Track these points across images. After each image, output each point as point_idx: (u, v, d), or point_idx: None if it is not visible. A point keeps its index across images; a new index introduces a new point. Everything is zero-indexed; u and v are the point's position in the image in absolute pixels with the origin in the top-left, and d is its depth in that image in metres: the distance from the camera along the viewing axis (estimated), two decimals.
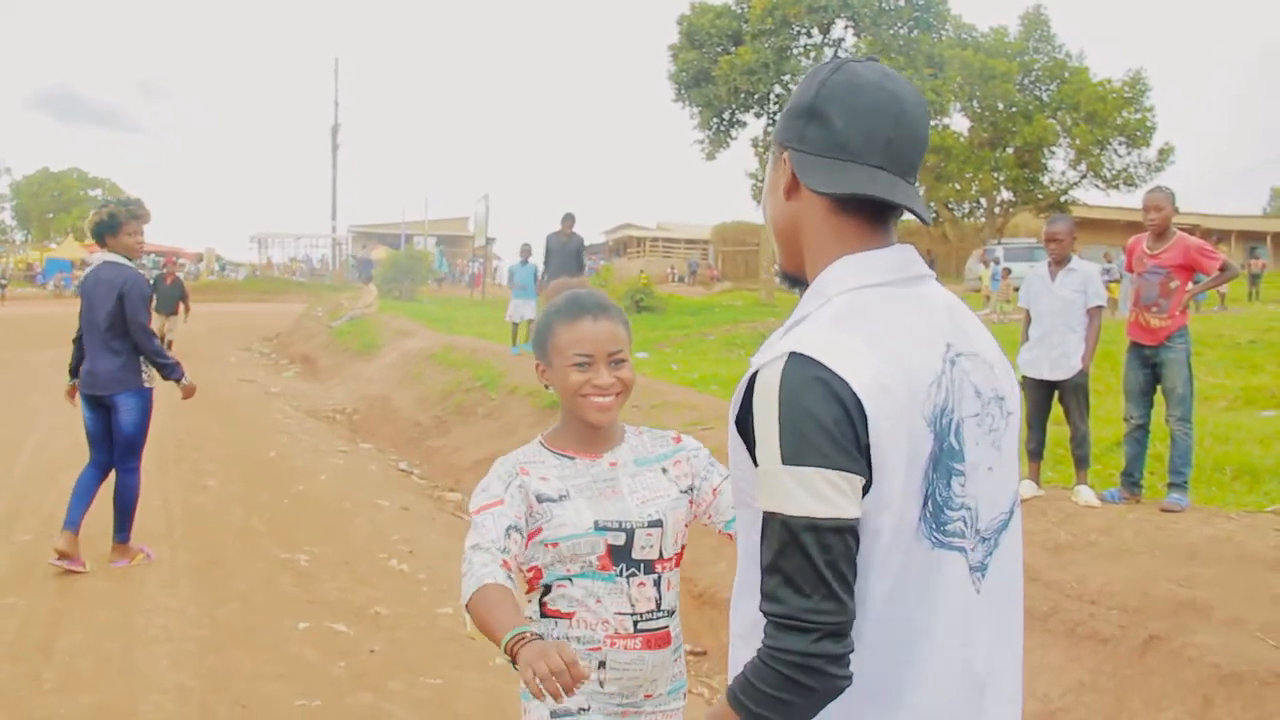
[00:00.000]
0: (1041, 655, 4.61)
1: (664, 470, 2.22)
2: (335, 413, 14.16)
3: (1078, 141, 34.53)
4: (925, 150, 1.52)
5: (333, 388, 16.53)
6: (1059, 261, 6.65)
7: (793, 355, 1.35)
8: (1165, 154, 34.80)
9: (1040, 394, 6.63)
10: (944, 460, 1.37)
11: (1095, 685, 4.43)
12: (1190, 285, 6.37)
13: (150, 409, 6.27)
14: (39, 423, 11.15)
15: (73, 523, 6.04)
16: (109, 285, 6.06)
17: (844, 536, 1.30)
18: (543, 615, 2.14)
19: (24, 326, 25.01)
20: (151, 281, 6.38)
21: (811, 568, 1.29)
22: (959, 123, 36.93)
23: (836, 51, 32.60)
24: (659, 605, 2.13)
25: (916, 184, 1.52)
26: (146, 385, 6.20)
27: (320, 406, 14.55)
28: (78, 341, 6.28)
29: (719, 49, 32.13)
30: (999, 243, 32.79)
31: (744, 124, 33.63)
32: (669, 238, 59.46)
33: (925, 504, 1.36)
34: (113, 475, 6.26)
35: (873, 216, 1.46)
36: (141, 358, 6.16)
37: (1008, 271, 25.71)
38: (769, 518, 1.34)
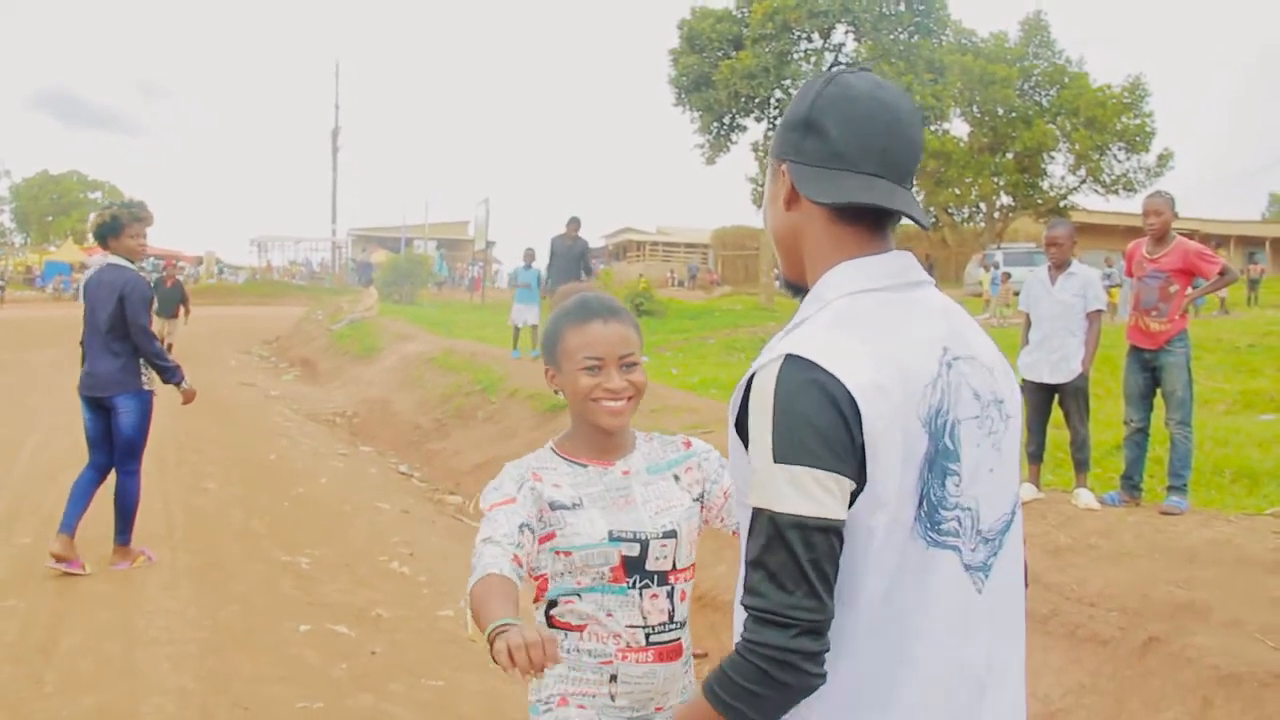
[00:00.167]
0: (1042, 657, 4.62)
1: (676, 478, 2.18)
2: (335, 416, 14.16)
3: (1077, 147, 34.57)
4: (920, 156, 1.55)
5: (332, 391, 16.53)
6: (1059, 266, 6.67)
7: (789, 357, 1.37)
8: (1164, 159, 34.85)
9: (1040, 397, 6.65)
10: (939, 461, 1.38)
11: (1095, 687, 4.44)
12: (1190, 290, 6.39)
13: (150, 411, 6.28)
14: (39, 423, 11.17)
15: (69, 526, 6.05)
16: (110, 287, 6.07)
17: (829, 536, 1.32)
18: (550, 627, 2.10)
19: (24, 328, 25.04)
20: (151, 284, 6.40)
21: (795, 565, 1.31)
22: (959, 128, 37.02)
23: (837, 56, 32.65)
24: (672, 617, 2.08)
25: (913, 190, 1.54)
26: (146, 388, 6.21)
27: (320, 410, 14.56)
28: (84, 344, 6.29)
29: (719, 54, 32.15)
30: (998, 247, 32.82)
31: (744, 128, 33.65)
32: (669, 242, 59.53)
33: (920, 504, 1.37)
34: (112, 478, 6.27)
35: (871, 224, 1.48)
36: (142, 360, 6.17)
37: (1007, 276, 25.73)
38: (757, 513, 1.36)
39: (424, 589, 6.35)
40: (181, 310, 18.92)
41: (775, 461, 1.33)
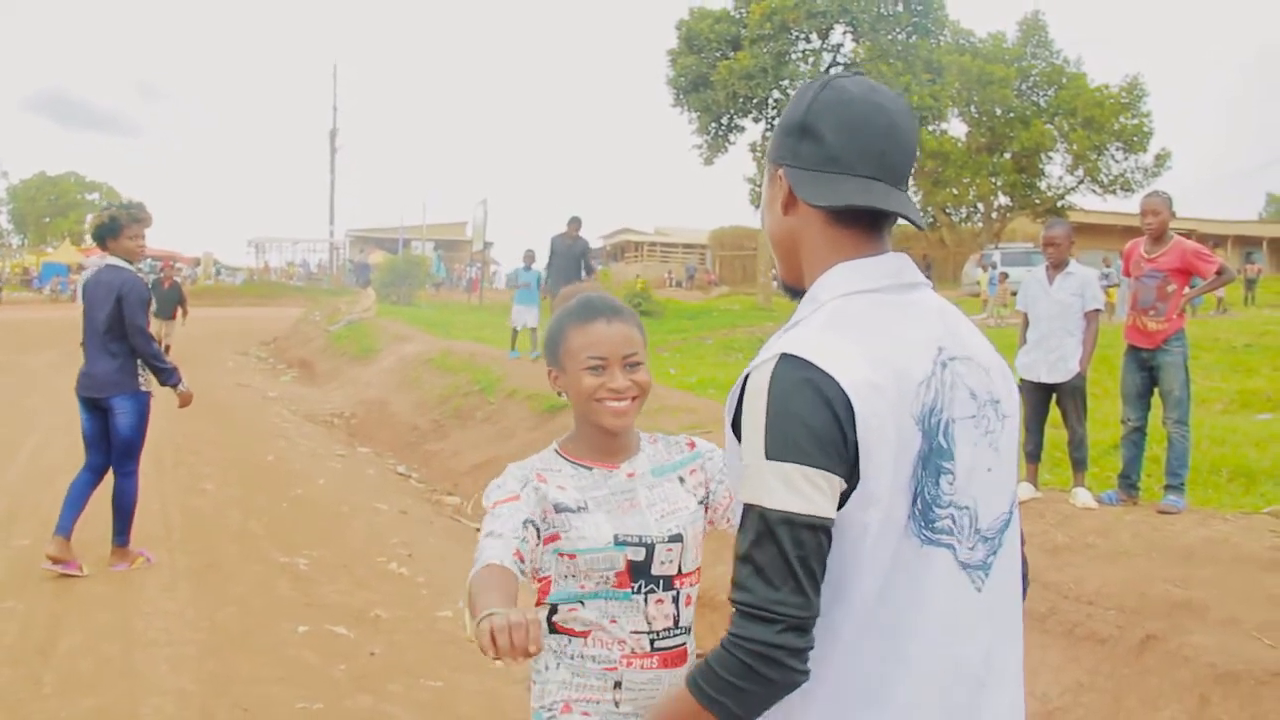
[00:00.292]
0: (1040, 655, 4.63)
1: (681, 480, 2.14)
2: (333, 417, 14.15)
3: (1075, 147, 34.65)
4: (915, 158, 1.56)
5: (330, 392, 16.53)
6: (1057, 265, 6.68)
7: (784, 357, 1.38)
8: (1162, 159, 34.93)
9: (1038, 397, 6.66)
10: (933, 459, 1.39)
11: (1093, 685, 4.45)
12: (1187, 289, 6.40)
13: (147, 412, 6.27)
14: (37, 424, 11.17)
15: (64, 528, 6.05)
16: (107, 288, 6.07)
17: (817, 534, 1.33)
18: (553, 632, 2.06)
19: (21, 330, 25.02)
20: (149, 285, 6.39)
21: (783, 561, 1.32)
22: (957, 128, 37.10)
23: (835, 57, 32.69)
24: (677, 622, 2.05)
25: (908, 191, 1.56)
26: (143, 389, 6.21)
27: (318, 411, 14.55)
28: (83, 345, 6.30)
29: (717, 54, 32.19)
30: (996, 247, 32.88)
31: (742, 129, 33.70)
32: (667, 242, 59.55)
33: (914, 502, 1.38)
34: (108, 479, 6.27)
35: (868, 226, 1.50)
36: (139, 361, 6.17)
37: (1005, 276, 25.75)
38: (748, 509, 1.37)
39: (422, 590, 6.35)
40: (179, 311, 18.91)
41: (767, 458, 1.34)
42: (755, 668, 1.31)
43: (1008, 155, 35.70)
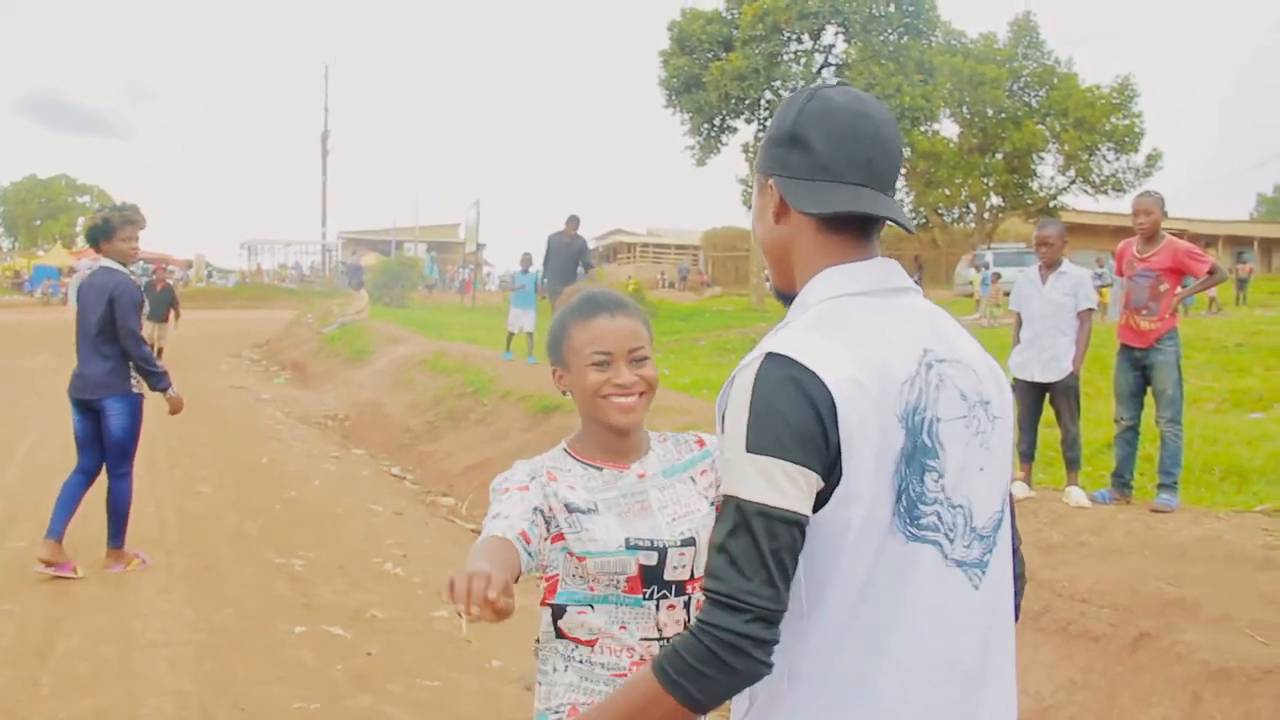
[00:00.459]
0: (1033, 653, 4.66)
1: (693, 480, 2.09)
2: (327, 419, 14.15)
3: (1066, 147, 34.72)
4: (900, 165, 1.60)
5: (324, 394, 16.52)
6: (1050, 265, 6.72)
7: (769, 355, 1.41)
8: (1153, 159, 35.02)
9: (1031, 396, 6.69)
10: (917, 457, 1.41)
11: (1087, 682, 4.48)
12: (1179, 289, 6.44)
13: (140, 414, 6.27)
14: (31, 427, 11.15)
15: (55, 531, 6.05)
16: (100, 290, 6.08)
17: (791, 529, 1.35)
18: (559, 637, 2.01)
19: (13, 332, 24.94)
20: (142, 288, 6.39)
21: (757, 552, 1.34)
22: (949, 128, 37.14)
23: (827, 58, 32.74)
24: (687, 628, 1.96)
25: (894, 197, 1.59)
26: (135, 390, 6.20)
27: (311, 413, 14.54)
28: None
29: (710, 55, 32.20)
30: (988, 248, 32.95)
31: (734, 130, 33.72)
32: (659, 243, 59.60)
33: (899, 499, 1.40)
34: (101, 481, 6.27)
35: (857, 231, 1.53)
36: (131, 363, 6.17)
37: (998, 276, 25.81)
38: (726, 500, 1.39)
39: (418, 590, 6.35)
40: (172, 314, 18.87)
41: (747, 451, 1.37)
42: (720, 655, 1.33)
43: (999, 156, 35.76)
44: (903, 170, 34.56)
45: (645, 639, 1.96)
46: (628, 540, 1.95)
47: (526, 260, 15.42)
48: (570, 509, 1.97)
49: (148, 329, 15.81)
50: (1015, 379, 6.74)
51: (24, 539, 6.77)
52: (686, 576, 1.98)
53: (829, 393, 1.36)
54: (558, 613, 2.01)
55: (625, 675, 1.94)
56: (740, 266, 46.58)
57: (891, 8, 31.92)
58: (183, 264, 54.05)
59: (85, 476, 6.24)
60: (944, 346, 1.50)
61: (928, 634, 1.43)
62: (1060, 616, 4.88)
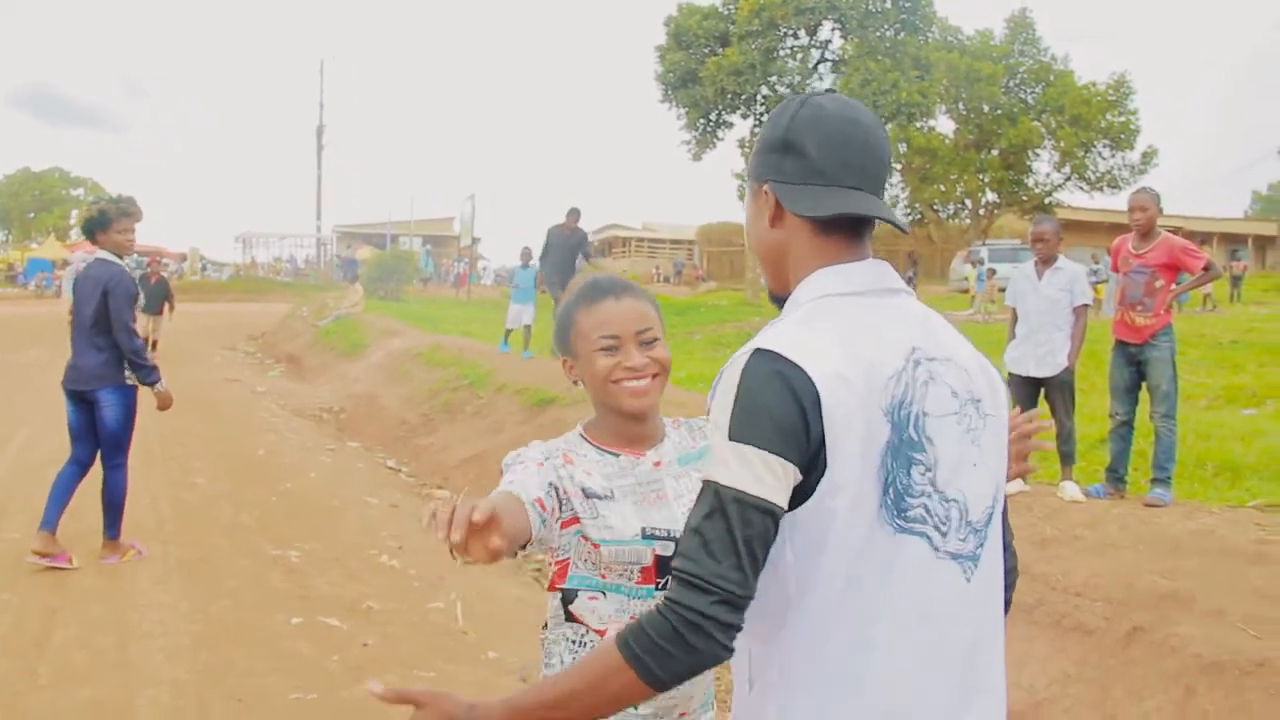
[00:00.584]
0: (1027, 646, 4.68)
1: None
2: (322, 411, 14.15)
3: (1062, 144, 34.76)
4: (889, 168, 1.65)
5: (319, 387, 16.51)
6: (1045, 261, 6.74)
7: (757, 351, 1.44)
8: (1149, 156, 35.07)
9: (1026, 391, 6.71)
10: (903, 450, 1.43)
11: (1080, 675, 4.50)
12: (1174, 285, 6.46)
13: (134, 406, 6.26)
14: (26, 419, 11.13)
15: (49, 523, 6.05)
16: (95, 282, 6.08)
17: (765, 518, 1.37)
18: (569, 620, 1.97)
19: (7, 325, 24.87)
20: (136, 280, 6.39)
21: (729, 537, 1.36)
22: (944, 125, 37.14)
23: (823, 53, 32.72)
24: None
25: (883, 199, 1.63)
26: (129, 382, 6.18)
27: (307, 405, 14.54)
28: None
29: (706, 50, 32.16)
30: (984, 244, 32.98)
31: (730, 125, 33.69)
32: (654, 238, 59.59)
33: (886, 491, 1.42)
34: (95, 472, 6.26)
35: (850, 233, 1.57)
36: None
37: (993, 272, 25.84)
38: (705, 484, 1.41)
39: (414, 582, 6.37)
40: (166, 307, 18.85)
41: (729, 439, 1.39)
42: (684, 634, 1.35)
43: (995, 152, 35.78)
44: (898, 166, 34.49)
45: None
46: (644, 530, 1.93)
47: (526, 255, 15.29)
48: (587, 494, 1.93)
49: (142, 322, 15.80)
50: (1011, 374, 6.77)
51: (18, 531, 6.77)
52: None
53: (814, 387, 1.39)
54: (568, 597, 1.98)
55: None
56: (735, 261, 46.61)
57: (888, 4, 31.90)
58: (177, 257, 53.92)
59: (79, 468, 6.24)
60: (934, 345, 1.53)
61: (916, 624, 1.45)
62: (1054, 610, 4.90)
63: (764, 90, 31.35)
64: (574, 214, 13.74)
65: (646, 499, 1.96)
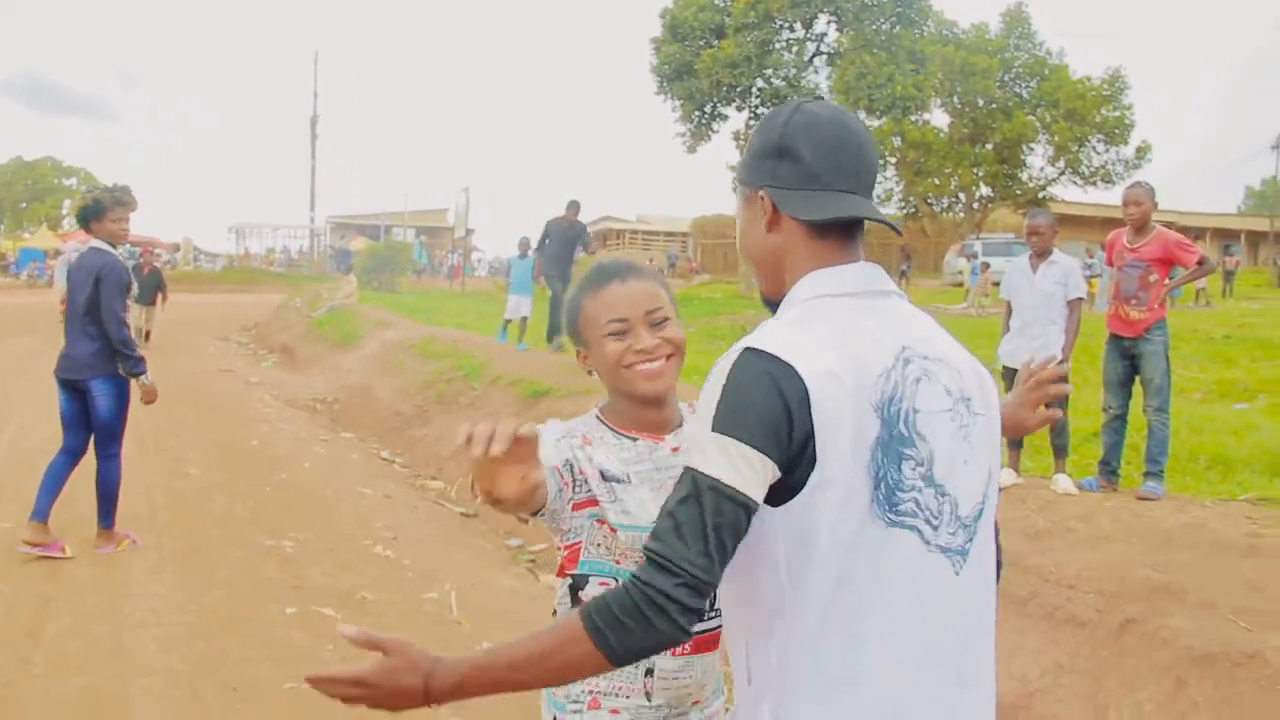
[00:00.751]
0: (1020, 638, 4.69)
1: None
2: (315, 402, 14.13)
3: (1056, 138, 34.74)
4: (878, 173, 1.70)
5: (312, 377, 16.49)
6: (1040, 254, 6.75)
7: (747, 350, 1.47)
8: (1143, 151, 35.08)
9: None
10: (894, 446, 1.46)
11: (1073, 667, 4.51)
12: (1169, 279, 6.48)
13: (127, 395, 6.24)
14: (17, 410, 11.10)
15: (40, 513, 6.05)
16: (88, 270, 6.06)
17: (738, 509, 1.39)
18: (576, 606, 1.91)
19: (0, 314, 24.80)
20: (130, 270, 6.37)
21: (700, 523, 1.38)
22: (939, 118, 37.14)
23: (819, 46, 32.73)
24: (712, 604, 1.81)
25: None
26: (121, 372, 6.17)
27: (300, 396, 14.52)
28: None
29: (701, 42, 32.17)
30: (978, 238, 33.04)
31: (725, 117, 33.73)
32: (649, 230, 59.53)
33: (877, 485, 1.44)
34: (87, 462, 6.25)
35: (844, 236, 1.60)
36: None
37: (986, 266, 25.87)
38: (685, 471, 1.44)
39: (408, 573, 6.38)
40: (160, 297, 18.82)
41: (712, 430, 1.42)
42: (645, 612, 1.37)
43: (990, 146, 35.77)
44: (893, 159, 34.40)
45: None
46: None
47: (524, 245, 15.18)
48: (605, 477, 1.90)
49: (135, 312, 15.77)
50: (1005, 367, 6.79)
51: (10, 520, 6.75)
52: None
53: (804, 385, 1.41)
54: (579, 583, 1.95)
55: None
56: (729, 254, 46.61)
57: None
58: (170, 247, 53.81)
59: (70, 457, 6.23)
60: (924, 345, 1.56)
61: (908, 618, 1.47)
62: (1047, 602, 4.92)
63: (759, 83, 31.39)
64: (574, 207, 13.70)
65: (664, 486, 1.91)
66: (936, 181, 36.85)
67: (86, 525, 6.32)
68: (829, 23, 32.72)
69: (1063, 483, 6.32)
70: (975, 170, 36.07)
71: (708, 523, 1.38)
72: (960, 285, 29.18)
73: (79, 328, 6.09)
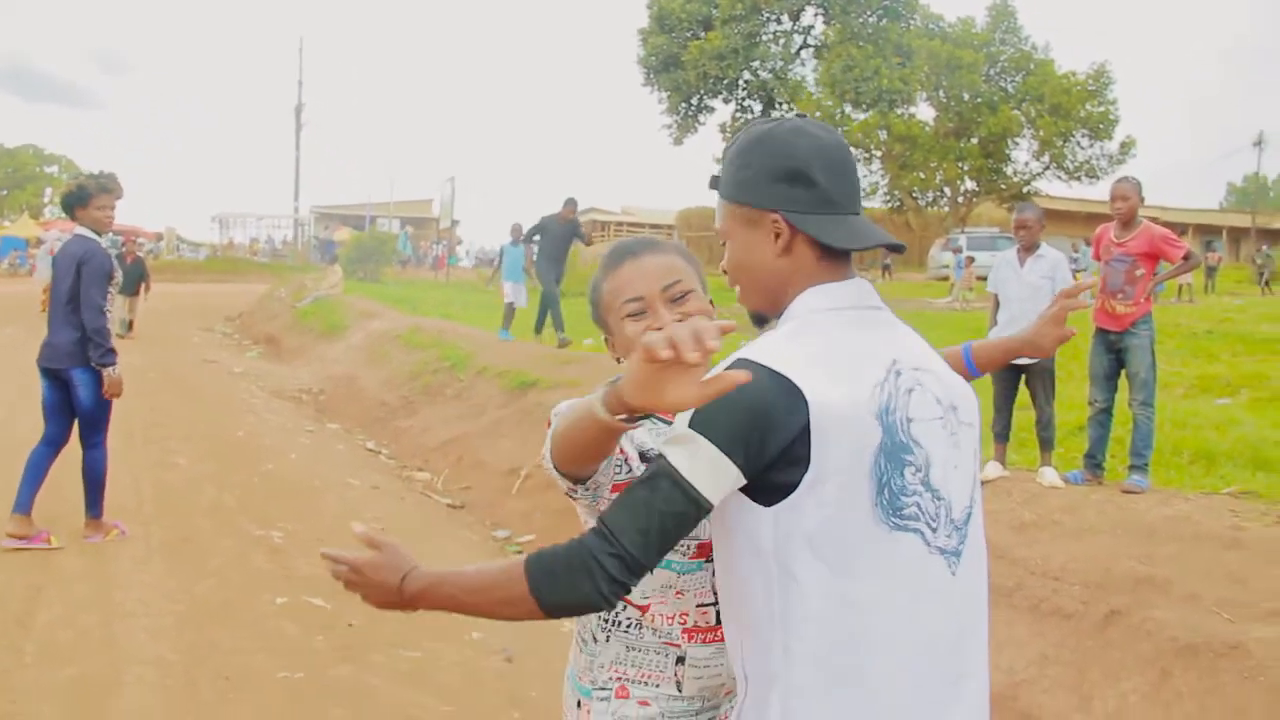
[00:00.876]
0: (1006, 629, 4.74)
1: None
2: (301, 393, 14.09)
3: (1041, 133, 34.81)
4: None
5: (298, 368, 16.44)
6: (1028, 248, 6.80)
7: (739, 359, 1.50)
8: (1127, 147, 35.20)
9: (1008, 378, 6.78)
10: (895, 452, 1.50)
11: (1058, 658, 4.57)
12: (1155, 274, 6.54)
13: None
14: (1, 399, 11.03)
15: (23, 505, 6.03)
16: (71, 258, 6.01)
17: (688, 503, 1.44)
18: None
19: None
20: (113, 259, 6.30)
21: (650, 505, 1.44)
22: (925, 112, 37.21)
23: (806, 39, 32.75)
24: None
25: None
26: (91, 361, 6.10)
27: (286, 387, 14.48)
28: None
29: (689, 34, 32.18)
30: (962, 231, 33.13)
31: (712, 109, 33.78)
32: (633, 222, 59.38)
33: (880, 490, 1.48)
34: (71, 452, 6.22)
35: (844, 254, 1.64)
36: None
37: (971, 260, 25.96)
38: (657, 454, 1.49)
39: None
40: (143, 287, 18.71)
41: (689, 425, 1.46)
42: (575, 569, 1.44)
43: (975, 140, 35.80)
44: (878, 153, 34.39)
45: (701, 605, 1.82)
46: None
47: (516, 231, 15.08)
48: (645, 457, 1.83)
49: (119, 303, 15.66)
50: None
51: None
52: None
53: (797, 395, 1.45)
54: None
55: (678, 645, 1.83)
56: (714, 246, 46.50)
57: None
58: (153, 236, 53.45)
59: (50, 447, 6.18)
60: (912, 357, 1.61)
61: (910, 617, 1.50)
62: (1033, 594, 4.97)
63: (746, 75, 31.40)
64: (571, 204, 13.71)
65: None
66: (922, 175, 36.90)
67: (75, 515, 6.30)
68: (816, 15, 32.79)
69: (1049, 476, 6.37)
70: (960, 164, 36.11)
71: (657, 507, 1.43)
72: (945, 279, 29.28)
73: (61, 316, 6.04)
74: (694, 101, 33.31)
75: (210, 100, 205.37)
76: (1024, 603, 4.94)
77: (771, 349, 1.51)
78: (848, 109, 33.65)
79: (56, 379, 6.11)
